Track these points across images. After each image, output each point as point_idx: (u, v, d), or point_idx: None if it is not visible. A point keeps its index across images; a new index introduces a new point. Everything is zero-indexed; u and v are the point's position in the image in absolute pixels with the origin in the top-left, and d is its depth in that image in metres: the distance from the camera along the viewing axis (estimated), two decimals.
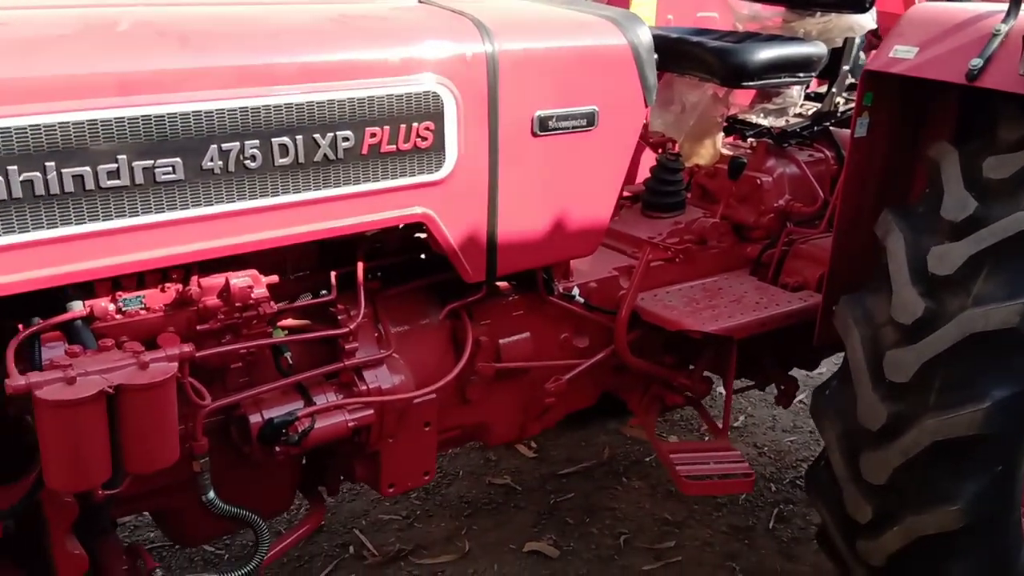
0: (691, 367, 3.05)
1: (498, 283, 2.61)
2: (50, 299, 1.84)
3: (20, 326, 1.82)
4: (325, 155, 2.01)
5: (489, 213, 2.32)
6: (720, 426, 3.10)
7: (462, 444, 2.89)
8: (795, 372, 3.51)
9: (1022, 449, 2.41)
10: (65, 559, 1.96)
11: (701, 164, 3.30)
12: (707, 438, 3.98)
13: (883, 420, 2.45)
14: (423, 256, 2.53)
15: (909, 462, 2.42)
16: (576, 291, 2.77)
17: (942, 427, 2.33)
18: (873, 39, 3.39)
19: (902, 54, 2.59)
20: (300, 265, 2.33)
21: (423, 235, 2.35)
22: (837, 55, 3.26)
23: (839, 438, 2.60)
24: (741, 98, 3.44)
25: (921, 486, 2.43)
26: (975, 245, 2.34)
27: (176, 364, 1.83)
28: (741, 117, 3.34)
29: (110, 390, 1.71)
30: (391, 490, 2.49)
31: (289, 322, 2.31)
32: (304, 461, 2.50)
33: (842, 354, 3.21)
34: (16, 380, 1.67)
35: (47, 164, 1.68)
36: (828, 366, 3.68)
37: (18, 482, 1.90)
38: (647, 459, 4.11)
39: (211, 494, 2.09)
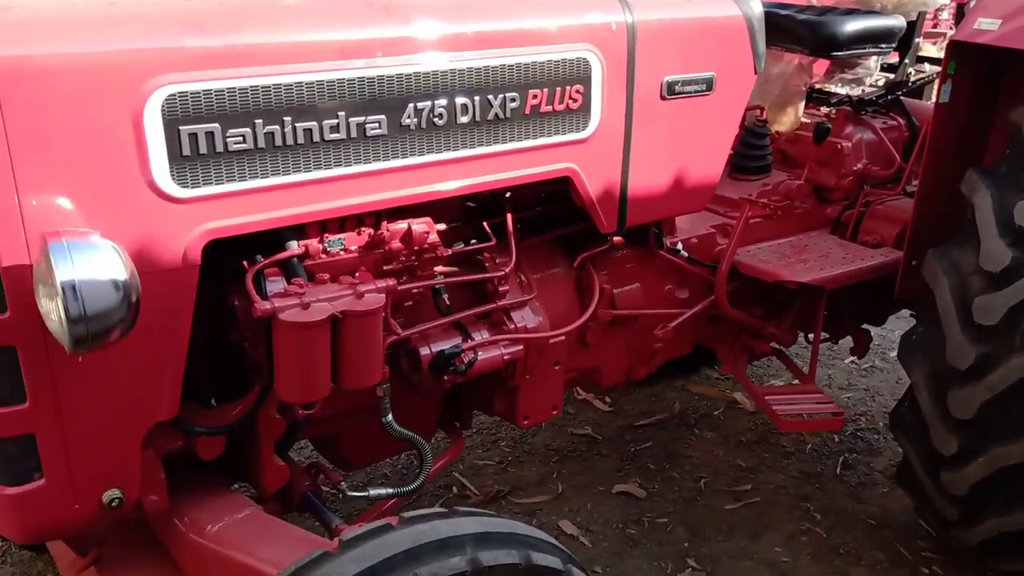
0: (780, 318, 3.31)
1: (613, 237, 2.86)
2: (266, 240, 2.09)
3: (245, 263, 2.07)
4: (496, 114, 2.25)
5: (623, 169, 2.57)
6: (806, 372, 3.36)
7: (577, 385, 3.14)
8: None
9: None
10: (271, 471, 2.22)
11: (782, 131, 3.55)
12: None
13: (971, 360, 2.71)
14: (553, 210, 2.78)
15: (995, 398, 2.69)
16: (680, 245, 3.03)
17: None
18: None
19: (986, 26, 2.85)
20: (455, 216, 2.58)
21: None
22: (909, 28, 3.51)
23: (927, 378, 2.86)
24: (816, 69, 3.68)
25: (1007, 419, 2.69)
26: None
27: (384, 296, 2.08)
28: (819, 86, 3.59)
29: (338, 315, 1.96)
30: (526, 422, 2.75)
31: (444, 268, 2.56)
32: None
33: (907, 311, 3.49)
34: (263, 304, 1.92)
35: (285, 119, 1.93)
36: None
37: (236, 401, 2.16)
38: (715, 412, 4.39)
39: (390, 416, 2.35)
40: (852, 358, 4.30)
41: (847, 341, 3.75)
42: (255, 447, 2.21)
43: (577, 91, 2.39)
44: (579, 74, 2.38)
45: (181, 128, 1.80)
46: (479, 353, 2.43)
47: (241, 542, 2.03)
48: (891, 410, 3.16)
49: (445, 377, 2.39)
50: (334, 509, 2.46)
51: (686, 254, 3.04)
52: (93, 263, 1.54)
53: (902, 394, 3.08)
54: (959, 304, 2.76)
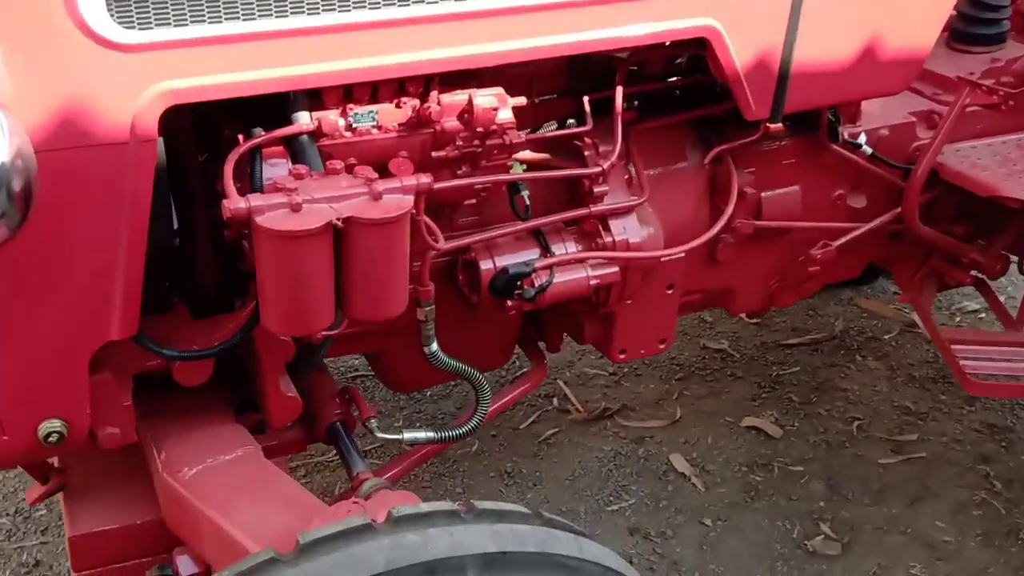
0: (989, 241, 2.52)
1: (770, 124, 2.15)
2: (274, 109, 1.56)
3: (241, 138, 1.55)
4: None
5: (788, 32, 1.85)
6: (1014, 317, 2.58)
7: (699, 310, 2.54)
8: None
9: None
10: (277, 402, 1.76)
11: None
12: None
13: None
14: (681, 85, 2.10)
15: None
16: (863, 138, 2.28)
17: None
18: None
19: None
20: (547, 86, 1.95)
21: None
22: None
23: None
24: None
25: None
26: None
27: (412, 197, 1.52)
28: None
29: (338, 223, 1.43)
30: (622, 356, 2.18)
31: (527, 155, 1.96)
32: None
33: None
34: (236, 202, 1.42)
35: None
36: None
37: (232, 314, 1.69)
38: (886, 336, 3.63)
39: (434, 346, 1.84)
40: None
41: None
42: (258, 372, 1.75)
43: None
44: None
45: None
46: (556, 275, 1.85)
47: (216, 494, 1.61)
48: None
49: (509, 303, 1.83)
50: (366, 448, 2.01)
51: (870, 150, 2.29)
52: None
53: None
54: None
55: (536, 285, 1.82)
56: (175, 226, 1.63)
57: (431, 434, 1.92)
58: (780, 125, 2.20)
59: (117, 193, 1.40)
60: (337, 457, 2.00)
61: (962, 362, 2.41)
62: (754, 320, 3.66)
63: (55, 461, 1.81)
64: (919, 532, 2.76)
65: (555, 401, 3.24)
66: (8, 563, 2.66)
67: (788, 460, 3.00)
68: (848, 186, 2.35)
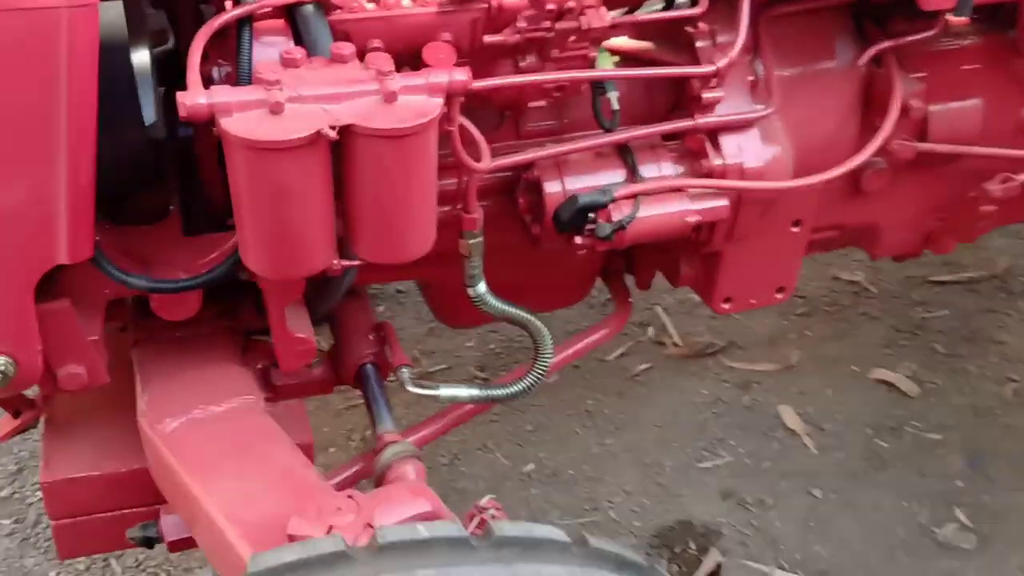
0: None
1: (954, 16, 1.62)
2: None
3: (229, 4, 1.18)
4: None
5: None
6: None
7: (830, 251, 2.06)
8: None
9: None
10: (286, 344, 1.43)
11: None
12: None
13: None
14: None
15: None
16: None
17: None
18: None
19: None
20: None
21: None
22: None
23: None
24: None
25: None
26: None
27: (442, 99, 1.12)
28: None
29: (332, 133, 1.04)
30: (726, 307, 1.76)
31: (619, 43, 1.50)
32: None
33: None
34: (194, 96, 1.05)
35: None
36: None
37: (226, 233, 1.35)
38: None
39: (481, 287, 1.46)
40: None
41: None
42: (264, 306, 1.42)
43: None
44: None
45: None
46: (642, 207, 1.42)
47: (198, 456, 1.32)
48: None
49: (578, 240, 1.43)
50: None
51: None
52: None
53: None
54: None
55: (614, 220, 1.40)
56: (159, 116, 1.28)
57: (474, 392, 1.56)
58: (964, 18, 1.68)
59: (50, 76, 1.05)
60: None
61: None
62: None
63: (31, 393, 1.55)
64: None
65: (650, 331, 2.85)
66: None
67: (923, 425, 2.54)
68: None
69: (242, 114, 1.04)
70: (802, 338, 2.83)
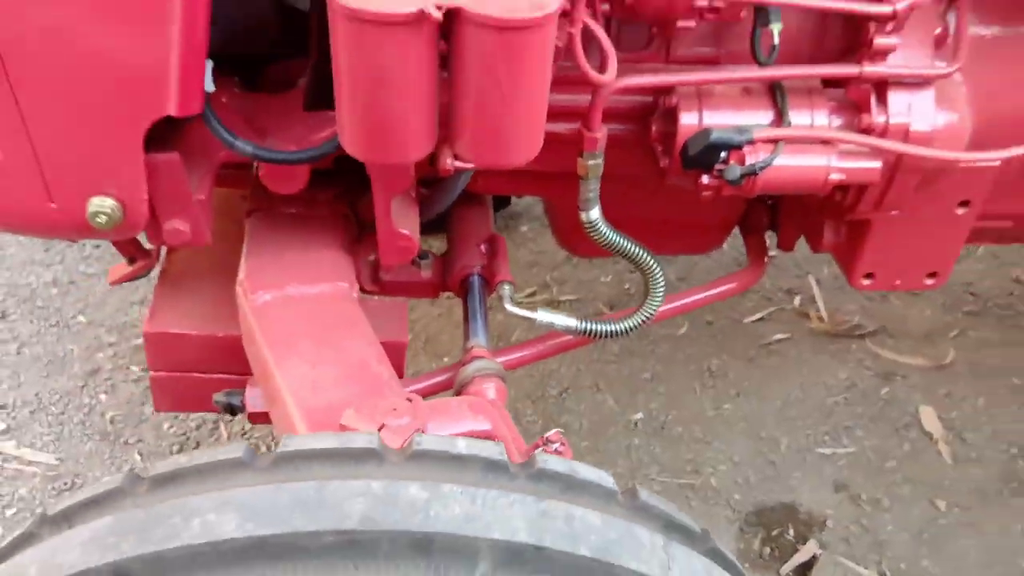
0: None
1: None
2: None
3: None
4: None
5: None
6: None
7: (1005, 243, 1.83)
8: None
9: None
10: (388, 238, 1.40)
11: None
12: None
13: None
14: None
15: None
16: None
17: None
18: None
19: None
20: None
21: None
22: None
23: None
24: None
25: None
26: None
27: None
28: None
29: (437, 13, 0.98)
30: (866, 283, 1.60)
31: None
32: None
33: None
34: None
35: None
36: None
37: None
38: None
39: (595, 213, 1.37)
40: None
41: None
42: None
43: None
44: None
45: None
46: (781, 153, 1.28)
47: (281, 332, 1.31)
48: None
49: (704, 180, 1.31)
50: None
51: None
52: None
53: None
54: None
55: (746, 164, 1.27)
56: None
57: (572, 322, 1.48)
58: None
59: None
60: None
61: None
62: None
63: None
64: None
65: (797, 300, 2.66)
66: None
67: None
68: None
69: None
70: (963, 338, 2.57)
